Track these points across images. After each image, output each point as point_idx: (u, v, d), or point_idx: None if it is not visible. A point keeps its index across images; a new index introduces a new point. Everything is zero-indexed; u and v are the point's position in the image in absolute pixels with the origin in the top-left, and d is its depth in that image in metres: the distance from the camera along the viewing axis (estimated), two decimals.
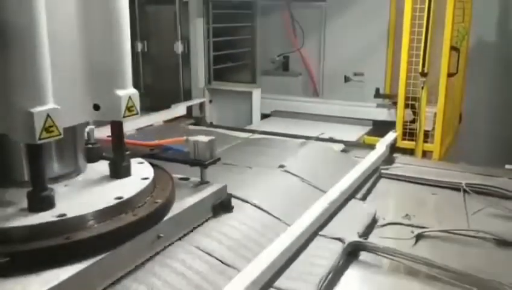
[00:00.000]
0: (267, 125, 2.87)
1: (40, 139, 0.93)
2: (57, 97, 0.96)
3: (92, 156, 1.27)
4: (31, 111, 0.92)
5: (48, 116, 0.94)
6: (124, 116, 1.12)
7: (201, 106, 3.10)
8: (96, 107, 1.12)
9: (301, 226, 1.26)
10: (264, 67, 3.68)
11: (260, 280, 1.03)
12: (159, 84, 2.92)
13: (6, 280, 0.85)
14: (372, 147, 2.19)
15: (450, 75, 2.47)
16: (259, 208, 1.40)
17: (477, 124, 3.47)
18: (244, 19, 3.54)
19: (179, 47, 2.98)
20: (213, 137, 1.36)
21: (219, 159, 1.37)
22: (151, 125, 2.44)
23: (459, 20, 2.60)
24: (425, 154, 2.63)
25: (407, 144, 2.59)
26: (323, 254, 1.22)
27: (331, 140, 2.40)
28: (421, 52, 2.44)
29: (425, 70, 2.46)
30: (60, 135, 0.97)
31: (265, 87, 3.36)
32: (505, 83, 3.54)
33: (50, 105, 0.95)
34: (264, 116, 3.15)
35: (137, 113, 1.15)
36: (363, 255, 1.28)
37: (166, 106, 2.69)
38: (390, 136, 2.39)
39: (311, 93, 3.62)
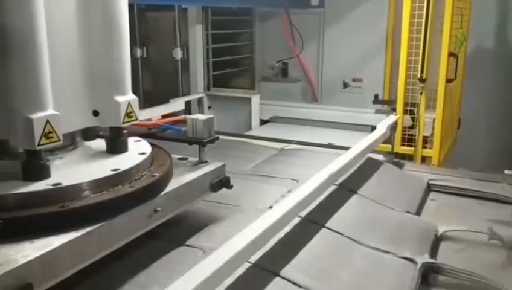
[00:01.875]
0: (267, 132, 2.87)
1: (39, 145, 0.93)
2: (56, 103, 0.96)
3: (88, 134, 1.24)
4: (31, 117, 0.92)
5: (48, 122, 0.93)
6: (123, 123, 1.11)
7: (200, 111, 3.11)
8: (96, 113, 1.11)
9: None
10: (263, 74, 3.69)
11: None
12: (158, 90, 2.93)
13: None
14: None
15: (448, 80, 2.48)
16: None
17: (475, 130, 3.48)
18: (243, 26, 3.55)
19: (178, 53, 3.00)
20: (212, 115, 1.37)
21: (217, 137, 1.37)
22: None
23: (457, 26, 2.61)
24: (424, 159, 2.63)
25: (406, 149, 2.59)
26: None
27: (340, 147, 2.39)
28: (420, 58, 2.45)
29: (424, 76, 2.47)
30: (60, 140, 0.97)
31: (264, 93, 3.37)
32: (504, 88, 3.56)
33: (49, 111, 0.95)
34: (263, 122, 3.15)
35: (136, 119, 1.15)
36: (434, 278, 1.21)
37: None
38: (392, 118, 2.31)
39: (310, 99, 3.62)
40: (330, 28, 3.47)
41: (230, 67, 3.47)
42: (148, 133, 1.39)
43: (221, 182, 1.31)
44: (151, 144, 1.28)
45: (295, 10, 3.48)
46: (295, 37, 3.55)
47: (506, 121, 3.57)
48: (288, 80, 3.67)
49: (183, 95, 3.06)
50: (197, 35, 3.02)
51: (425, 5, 2.36)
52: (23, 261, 0.80)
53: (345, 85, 3.49)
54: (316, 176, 1.44)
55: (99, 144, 1.21)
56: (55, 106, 0.96)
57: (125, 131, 1.19)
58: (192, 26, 2.99)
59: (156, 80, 2.98)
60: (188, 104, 2.95)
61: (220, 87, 3.30)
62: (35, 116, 0.92)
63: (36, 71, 0.92)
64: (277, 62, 3.60)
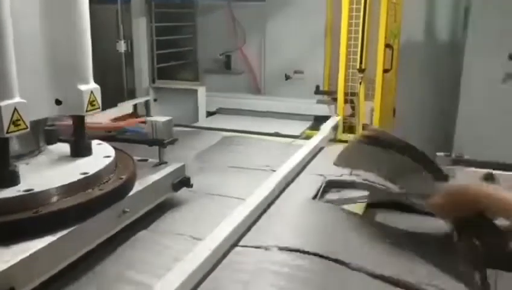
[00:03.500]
0: (214, 123, 2.93)
1: (7, 132, 0.94)
2: (21, 92, 0.97)
3: (50, 139, 1.26)
4: None
5: (15, 110, 0.94)
6: (86, 111, 1.14)
7: (147, 104, 3.10)
8: (58, 102, 1.13)
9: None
10: (207, 66, 3.74)
11: None
12: (104, 83, 2.87)
13: None
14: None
15: (385, 71, 2.64)
16: None
17: (409, 118, 3.71)
18: (187, 19, 3.57)
19: (121, 46, 2.97)
20: (170, 117, 1.42)
21: (177, 139, 1.42)
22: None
23: (391, 20, 2.78)
24: None
25: (347, 136, 2.73)
26: None
27: (281, 135, 2.51)
28: (359, 50, 2.58)
29: (363, 67, 2.61)
30: (27, 128, 0.98)
31: (209, 85, 3.40)
32: (433, 80, 3.82)
33: (17, 99, 0.96)
34: (209, 113, 3.19)
35: (99, 108, 1.18)
36: None
37: (112, 105, 2.67)
38: (334, 119, 2.59)
39: (254, 90, 3.71)
40: (272, 22, 3.57)
41: (175, 60, 3.48)
42: (109, 135, 1.41)
43: (182, 181, 1.38)
44: (113, 147, 1.32)
45: (237, 3, 3.55)
46: (237, 30, 3.62)
47: (436, 108, 3.83)
48: (232, 72, 3.73)
49: (128, 87, 3.05)
50: (141, 28, 3.01)
51: (362, 0, 2.50)
52: (4, 266, 0.82)
53: (287, 77, 3.60)
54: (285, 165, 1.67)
55: (62, 148, 1.23)
56: (21, 94, 0.97)
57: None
58: (135, 18, 2.98)
59: (100, 73, 2.92)
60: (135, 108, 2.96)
61: (166, 79, 3.31)
62: (3, 103, 0.93)
63: (3, 60, 0.92)
64: (220, 54, 3.66)
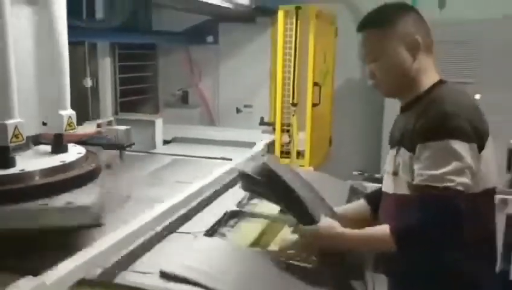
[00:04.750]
0: (170, 149, 3.32)
1: (10, 142, 1.39)
2: (19, 115, 1.41)
3: (35, 141, 1.69)
4: (5, 123, 1.38)
5: (16, 127, 1.39)
6: (65, 130, 1.60)
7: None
8: (44, 124, 1.59)
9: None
10: (166, 100, 4.16)
11: None
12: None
13: None
14: None
15: (314, 105, 3.11)
16: None
17: (347, 147, 4.20)
18: (148, 58, 4.02)
19: (88, 82, 3.36)
20: (129, 126, 1.83)
21: (133, 143, 1.85)
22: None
23: (321, 61, 3.28)
24: None
25: (284, 161, 3.17)
26: None
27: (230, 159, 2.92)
28: (291, 87, 3.06)
29: (295, 102, 3.08)
30: (23, 140, 1.43)
31: (167, 118, 3.81)
32: (367, 114, 4.33)
33: (17, 119, 1.40)
34: (165, 142, 3.59)
35: (75, 128, 1.64)
36: None
37: None
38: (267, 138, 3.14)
39: (209, 122, 4.14)
40: (225, 62, 4.03)
41: (137, 95, 3.90)
42: (81, 141, 1.85)
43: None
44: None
45: (193, 46, 4.02)
46: (194, 68, 4.08)
47: (371, 138, 4.33)
48: (189, 106, 4.16)
49: (93, 118, 3.42)
50: (105, 67, 3.42)
51: (293, 45, 2.99)
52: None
53: (238, 110, 4.05)
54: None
55: (45, 147, 1.67)
56: (20, 117, 1.41)
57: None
58: (101, 58, 3.39)
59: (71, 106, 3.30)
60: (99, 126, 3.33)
61: (128, 112, 3.70)
62: (8, 122, 1.38)
63: (9, 88, 1.37)
64: (178, 90, 4.10)
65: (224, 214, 1.90)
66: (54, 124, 1.57)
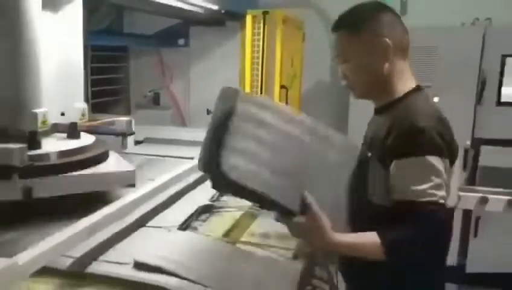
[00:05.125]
0: (141, 149, 3.39)
1: (39, 128, 1.65)
2: (46, 105, 1.68)
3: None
4: (36, 111, 1.65)
5: (44, 115, 1.66)
6: (79, 120, 1.92)
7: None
8: (62, 114, 1.89)
9: None
10: (138, 102, 4.23)
11: None
12: None
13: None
14: None
15: None
16: None
17: None
18: (120, 60, 4.08)
19: None
20: (130, 118, 2.13)
21: (134, 132, 1.99)
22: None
23: (288, 66, 3.40)
24: None
25: None
26: None
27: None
28: (259, 89, 3.18)
29: None
30: (49, 127, 1.71)
31: (139, 119, 3.87)
32: (334, 116, 4.47)
33: (44, 109, 1.67)
34: (137, 142, 3.65)
35: (86, 118, 1.97)
36: None
37: None
38: None
39: (180, 123, 4.22)
40: (195, 64, 4.12)
41: (109, 96, 3.95)
42: (90, 130, 2.12)
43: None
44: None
45: (165, 48, 4.10)
46: (165, 71, 4.16)
47: None
48: (161, 108, 4.24)
49: None
50: None
51: (260, 49, 3.11)
52: None
53: (209, 112, 4.14)
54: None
55: (61, 135, 1.93)
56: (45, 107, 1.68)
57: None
58: None
59: None
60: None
61: (101, 113, 3.75)
62: (38, 110, 1.65)
63: (39, 86, 1.66)
64: (149, 92, 4.17)
65: (196, 209, 1.98)
66: (70, 115, 1.89)
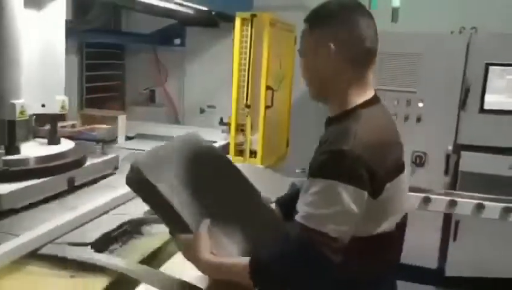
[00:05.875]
0: (131, 144, 3.50)
1: (17, 118, 1.79)
2: (24, 97, 1.82)
3: (34, 135, 2.12)
4: (14, 102, 1.79)
5: (22, 106, 1.80)
6: (59, 111, 2.05)
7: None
8: (43, 105, 2.00)
9: None
10: (133, 99, 4.34)
11: None
12: None
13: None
14: None
15: (267, 107, 3.32)
16: None
17: (303, 148, 4.39)
18: (116, 57, 4.19)
19: None
20: (111, 126, 2.39)
21: (116, 139, 2.09)
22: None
23: (276, 68, 3.49)
24: None
25: (238, 159, 3.37)
26: None
27: None
28: (245, 89, 3.27)
29: (249, 103, 3.28)
30: (27, 117, 1.85)
31: (133, 116, 3.98)
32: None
33: (22, 100, 1.81)
34: (128, 138, 3.76)
35: (67, 110, 2.10)
36: None
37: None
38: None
39: (174, 121, 4.33)
40: (190, 63, 4.24)
41: (104, 92, 4.07)
42: (70, 136, 2.31)
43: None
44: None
45: (160, 47, 4.21)
46: (161, 69, 4.27)
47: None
48: (155, 105, 4.35)
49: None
50: (71, 64, 3.58)
51: (248, 51, 3.20)
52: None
53: (202, 110, 4.25)
54: None
55: (41, 140, 2.08)
56: (24, 98, 1.81)
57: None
58: (67, 55, 3.54)
59: None
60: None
61: (95, 108, 3.87)
62: (16, 101, 1.79)
63: (17, 76, 1.78)
64: (144, 89, 4.28)
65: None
66: (50, 106, 2.00)
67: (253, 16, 3.17)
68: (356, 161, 1.18)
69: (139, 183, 1.28)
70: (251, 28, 3.17)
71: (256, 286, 1.20)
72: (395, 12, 3.86)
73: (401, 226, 1.39)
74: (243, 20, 3.22)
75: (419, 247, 3.49)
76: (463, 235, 3.47)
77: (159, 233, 1.72)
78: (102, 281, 1.39)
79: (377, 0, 3.73)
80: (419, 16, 3.92)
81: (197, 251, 1.24)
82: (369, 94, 1.37)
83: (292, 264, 1.18)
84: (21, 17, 1.78)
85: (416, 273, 3.44)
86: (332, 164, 1.20)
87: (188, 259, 1.29)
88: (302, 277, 1.18)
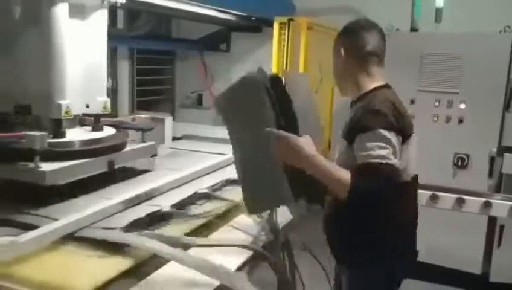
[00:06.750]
0: (177, 144, 3.68)
1: (63, 117, 2.00)
2: (70, 98, 2.01)
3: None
4: (60, 102, 1.99)
5: (67, 106, 1.99)
6: (101, 112, 2.23)
7: None
8: (87, 106, 2.17)
9: None
10: (182, 102, 4.56)
11: None
12: None
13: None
14: None
15: None
16: None
17: None
18: (166, 63, 4.43)
19: (108, 82, 3.79)
20: (149, 115, 2.75)
21: (153, 128, 2.60)
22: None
23: (315, 69, 3.56)
24: None
25: None
26: None
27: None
28: None
29: None
30: (72, 116, 2.05)
31: (182, 118, 4.19)
32: None
33: (67, 100, 2.00)
34: (175, 138, 3.95)
35: (109, 111, 2.28)
36: None
37: None
38: None
39: (220, 123, 4.47)
40: (235, 67, 4.39)
41: (154, 96, 4.31)
42: (113, 124, 2.44)
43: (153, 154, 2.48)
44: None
45: (208, 52, 4.40)
46: (207, 73, 4.46)
47: None
48: (203, 108, 4.54)
49: (112, 115, 3.86)
50: (123, 69, 3.84)
51: (285, 54, 3.30)
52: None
53: None
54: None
55: (86, 128, 2.28)
56: (70, 99, 2.02)
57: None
58: (120, 61, 3.82)
59: None
60: None
61: (146, 110, 4.10)
62: (62, 102, 1.99)
63: (63, 81, 1.99)
64: (192, 93, 4.48)
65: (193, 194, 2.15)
66: (93, 107, 2.19)
67: (291, 20, 3.27)
68: (387, 115, 1.59)
69: (264, 79, 1.70)
70: (288, 31, 3.26)
71: (347, 199, 1.51)
72: (438, 12, 3.82)
73: (415, 178, 1.78)
74: (281, 24, 3.33)
75: (464, 251, 3.44)
76: (508, 239, 3.37)
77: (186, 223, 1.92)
78: (130, 261, 1.56)
79: (421, 0, 3.71)
80: (462, 16, 3.86)
81: (304, 148, 1.54)
82: (379, 83, 1.76)
83: (378, 189, 1.54)
84: (66, 26, 1.97)
85: (460, 278, 3.38)
86: (372, 119, 1.59)
87: (287, 153, 1.57)
88: (384, 198, 1.55)
